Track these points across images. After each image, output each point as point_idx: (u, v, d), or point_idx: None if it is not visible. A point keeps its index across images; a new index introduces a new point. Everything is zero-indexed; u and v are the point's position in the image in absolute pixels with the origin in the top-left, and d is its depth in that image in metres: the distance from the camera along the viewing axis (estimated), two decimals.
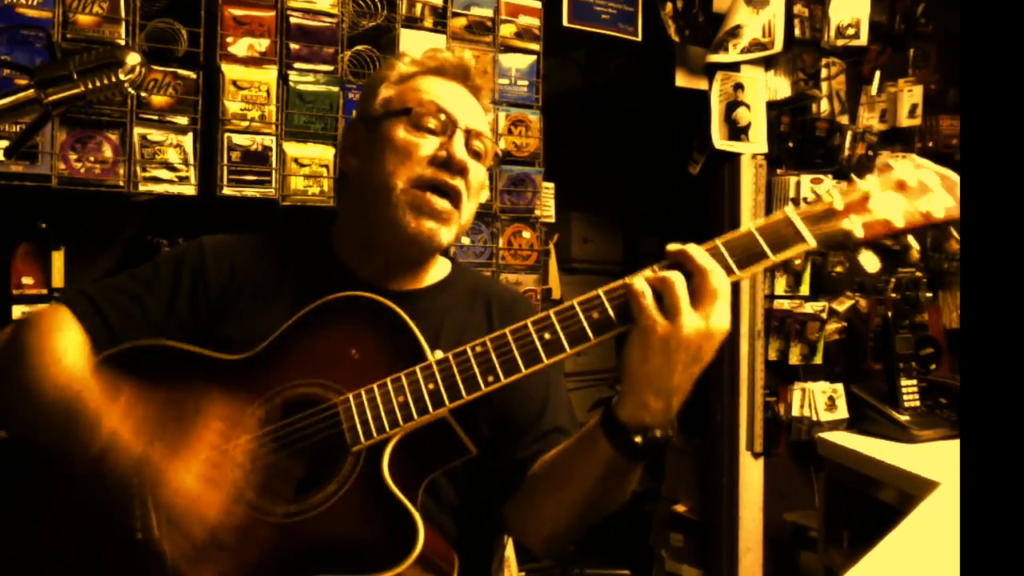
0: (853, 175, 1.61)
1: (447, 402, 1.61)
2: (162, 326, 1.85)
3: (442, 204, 1.87)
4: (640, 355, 1.50)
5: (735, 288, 4.36)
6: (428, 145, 1.89)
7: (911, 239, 1.57)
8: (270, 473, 1.61)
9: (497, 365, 1.59)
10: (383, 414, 1.62)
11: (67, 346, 1.75)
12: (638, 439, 1.55)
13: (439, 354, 1.67)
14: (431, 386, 1.61)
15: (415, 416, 1.61)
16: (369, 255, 1.97)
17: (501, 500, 1.88)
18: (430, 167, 1.87)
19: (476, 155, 1.94)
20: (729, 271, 1.53)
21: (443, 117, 1.91)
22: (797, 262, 4.42)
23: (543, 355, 1.58)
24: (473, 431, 1.69)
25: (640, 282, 1.51)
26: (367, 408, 1.63)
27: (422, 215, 1.86)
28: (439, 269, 2.09)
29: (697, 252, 1.52)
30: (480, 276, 2.30)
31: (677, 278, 1.49)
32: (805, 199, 4.48)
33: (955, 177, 1.58)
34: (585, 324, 1.56)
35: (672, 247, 1.54)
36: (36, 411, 1.65)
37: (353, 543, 1.59)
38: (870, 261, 1.58)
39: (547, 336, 1.57)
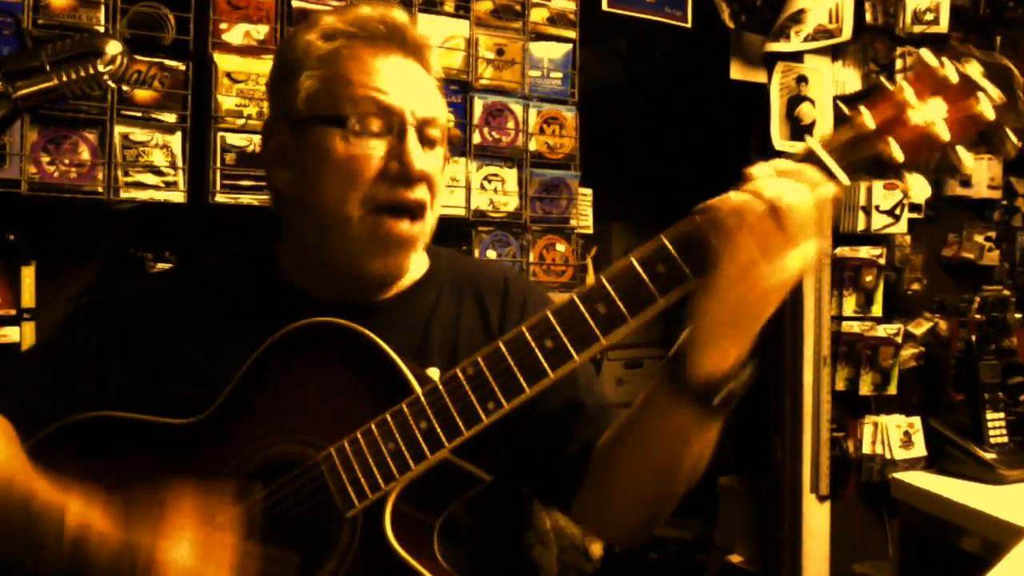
0: (882, 78, 1.51)
1: (445, 442, 1.54)
2: (96, 400, 1.77)
3: (408, 229, 1.77)
4: (724, 301, 1.44)
5: (799, 310, 4.35)
6: (375, 155, 1.75)
7: (961, 152, 1.47)
8: (259, 559, 1.51)
9: (496, 388, 1.52)
10: (374, 467, 1.55)
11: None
12: (725, 391, 1.49)
13: (435, 372, 1.60)
14: (423, 424, 1.55)
15: (412, 465, 1.55)
16: (327, 280, 1.87)
17: (567, 501, 1.83)
18: (383, 184, 1.74)
19: (432, 143, 1.81)
20: None
21: (387, 115, 1.76)
22: (868, 279, 4.36)
23: (547, 367, 1.51)
24: (484, 456, 1.62)
25: (729, 213, 1.43)
26: (354, 463, 1.56)
27: (389, 248, 1.77)
28: (417, 261, 1.96)
29: (760, 179, 1.43)
30: (461, 260, 2.18)
31: (755, 203, 1.40)
32: (877, 207, 4.49)
33: (1006, 65, 1.47)
34: (590, 321, 1.49)
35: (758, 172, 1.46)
36: None
37: None
38: (919, 185, 1.49)
39: (548, 343, 1.51)
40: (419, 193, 1.76)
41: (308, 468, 1.59)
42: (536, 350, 1.51)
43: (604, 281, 1.50)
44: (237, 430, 1.64)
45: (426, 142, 1.79)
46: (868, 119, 1.46)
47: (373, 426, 1.56)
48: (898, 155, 1.43)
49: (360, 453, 1.56)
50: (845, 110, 1.49)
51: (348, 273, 1.81)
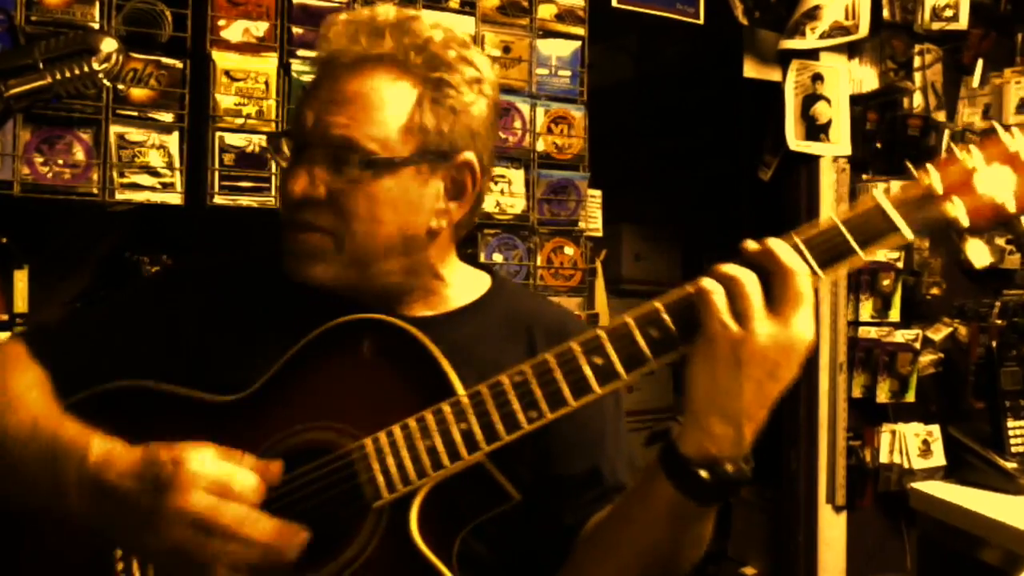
0: (953, 145, 1.56)
1: (483, 445, 1.56)
2: (138, 369, 1.80)
3: (299, 239, 1.76)
4: (705, 369, 1.47)
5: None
6: (288, 173, 1.76)
7: None
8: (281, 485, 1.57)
9: (541, 397, 1.54)
10: (407, 461, 1.57)
11: (30, 384, 1.72)
12: (704, 474, 1.49)
13: None
14: (463, 425, 1.56)
15: (446, 463, 1.56)
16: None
17: (549, 574, 1.81)
18: (283, 204, 1.78)
19: (341, 161, 1.72)
20: (810, 271, 1.49)
21: (287, 136, 1.82)
22: (886, 283, 4.35)
23: (594, 383, 1.53)
24: (513, 474, 1.63)
25: (710, 280, 1.48)
26: (388, 455, 1.58)
27: (292, 257, 1.78)
28: (470, 287, 1.97)
29: (780, 248, 1.48)
30: (523, 295, 2.20)
31: (748, 276, 1.46)
32: None
33: None
34: (642, 343, 1.51)
35: (750, 244, 1.51)
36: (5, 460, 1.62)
37: None
38: (979, 252, 1.53)
39: (597, 360, 1.53)
40: (300, 215, 1.74)
41: (340, 455, 1.60)
42: (585, 365, 1.53)
43: (658, 306, 1.53)
44: (273, 413, 1.68)
45: (329, 159, 1.73)
46: (936, 182, 1.51)
47: (411, 422, 1.58)
48: (963, 220, 1.50)
49: (395, 446, 1.58)
50: (913, 170, 1.55)
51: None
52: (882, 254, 4.33)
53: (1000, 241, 4.59)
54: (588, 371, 1.53)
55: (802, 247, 1.50)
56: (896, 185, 4.36)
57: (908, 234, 1.49)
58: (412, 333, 1.67)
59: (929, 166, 1.53)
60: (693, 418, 1.50)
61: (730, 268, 1.48)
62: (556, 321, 2.00)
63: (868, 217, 1.51)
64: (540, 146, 3.43)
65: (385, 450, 1.58)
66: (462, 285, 1.96)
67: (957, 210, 1.50)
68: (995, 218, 1.51)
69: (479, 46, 3.30)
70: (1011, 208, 1.50)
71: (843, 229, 1.50)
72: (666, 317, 1.51)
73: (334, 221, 1.74)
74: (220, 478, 1.46)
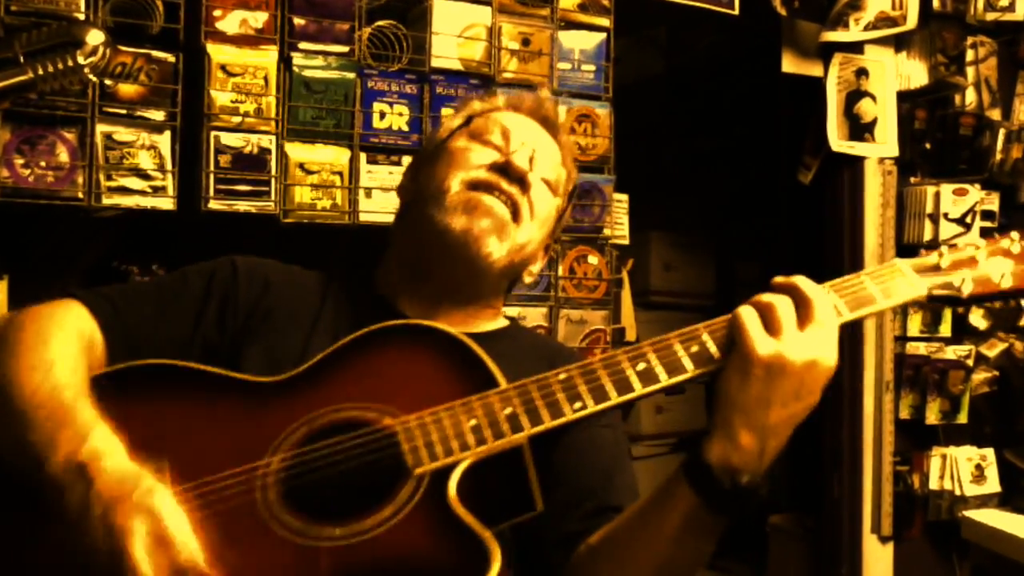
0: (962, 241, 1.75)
1: (527, 426, 1.68)
2: (186, 342, 1.98)
3: (494, 203, 2.05)
4: (737, 381, 1.65)
5: (858, 329, 4.28)
6: (487, 153, 2.12)
7: None
8: (312, 492, 1.66)
9: (585, 392, 1.70)
10: (451, 436, 1.69)
11: (77, 344, 1.81)
12: (724, 481, 1.65)
13: None
14: (508, 410, 1.70)
15: (489, 439, 1.68)
16: (416, 285, 2.14)
17: None
18: (487, 171, 2.08)
19: (543, 180, 2.17)
20: (835, 309, 1.73)
21: (508, 134, 2.16)
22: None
23: (637, 383, 1.70)
24: (544, 485, 1.74)
25: (745, 308, 1.68)
26: (432, 429, 1.70)
27: (474, 213, 2.03)
28: (494, 320, 2.25)
29: (803, 281, 1.71)
30: (538, 335, 2.52)
31: (781, 300, 1.67)
32: (946, 215, 4.44)
33: None
34: (683, 354, 1.71)
35: (778, 279, 1.74)
36: (13, 413, 1.65)
37: (415, 568, 1.65)
38: (979, 321, 1.73)
39: (641, 365, 1.71)
40: (514, 190, 2.08)
41: (383, 426, 1.72)
42: (629, 368, 1.71)
43: (700, 327, 1.74)
44: (317, 393, 1.81)
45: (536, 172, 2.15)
46: (946, 258, 1.83)
47: (457, 404, 1.72)
48: (966, 288, 1.81)
49: (440, 423, 1.71)
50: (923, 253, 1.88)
51: (437, 247, 2.07)
52: None
53: None
54: (631, 373, 1.70)
55: (830, 290, 1.75)
56: (946, 189, 4.35)
57: (922, 289, 1.78)
58: (458, 337, 1.85)
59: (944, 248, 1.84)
60: (721, 427, 1.67)
61: (763, 295, 1.70)
62: (573, 357, 2.20)
63: (890, 274, 1.79)
64: None
65: (429, 425, 1.70)
66: (490, 316, 2.25)
67: (962, 280, 1.80)
68: (991, 292, 1.82)
69: (496, 39, 3.29)
70: (1005, 284, 1.81)
71: (868, 281, 1.78)
72: (706, 336, 1.72)
73: (524, 206, 2.11)
74: (162, 532, 1.48)
